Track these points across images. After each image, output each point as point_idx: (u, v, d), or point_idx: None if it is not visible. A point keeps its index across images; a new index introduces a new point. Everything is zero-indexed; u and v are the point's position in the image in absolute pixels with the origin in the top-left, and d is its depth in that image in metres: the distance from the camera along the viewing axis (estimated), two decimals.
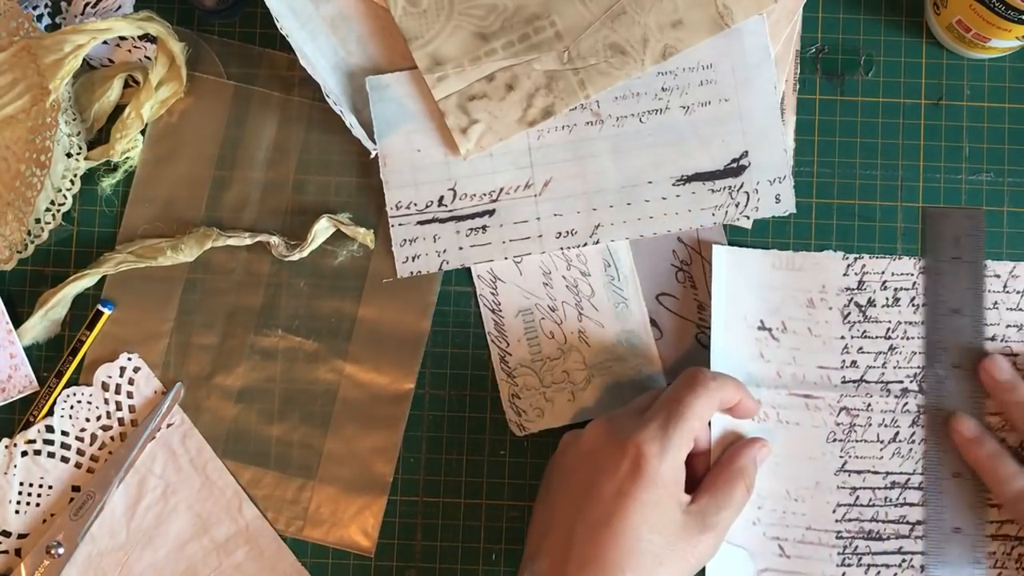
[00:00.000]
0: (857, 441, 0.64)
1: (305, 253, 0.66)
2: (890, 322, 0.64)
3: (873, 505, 0.64)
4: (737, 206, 0.65)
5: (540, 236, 0.66)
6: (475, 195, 0.66)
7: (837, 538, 0.63)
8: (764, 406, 0.64)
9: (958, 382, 0.64)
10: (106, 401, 0.66)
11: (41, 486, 0.65)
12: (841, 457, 0.64)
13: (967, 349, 0.64)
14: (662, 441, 0.57)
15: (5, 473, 0.65)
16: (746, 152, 0.65)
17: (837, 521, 0.64)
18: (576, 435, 0.61)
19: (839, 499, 0.64)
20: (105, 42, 0.66)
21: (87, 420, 0.65)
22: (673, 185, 0.65)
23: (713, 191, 0.65)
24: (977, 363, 0.63)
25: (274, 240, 0.65)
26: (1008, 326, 0.64)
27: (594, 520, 0.56)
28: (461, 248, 0.66)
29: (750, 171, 0.65)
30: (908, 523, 0.64)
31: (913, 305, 0.65)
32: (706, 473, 0.61)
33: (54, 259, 0.67)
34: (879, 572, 0.63)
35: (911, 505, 0.63)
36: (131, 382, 0.66)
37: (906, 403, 0.64)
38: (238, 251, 0.66)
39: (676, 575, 0.57)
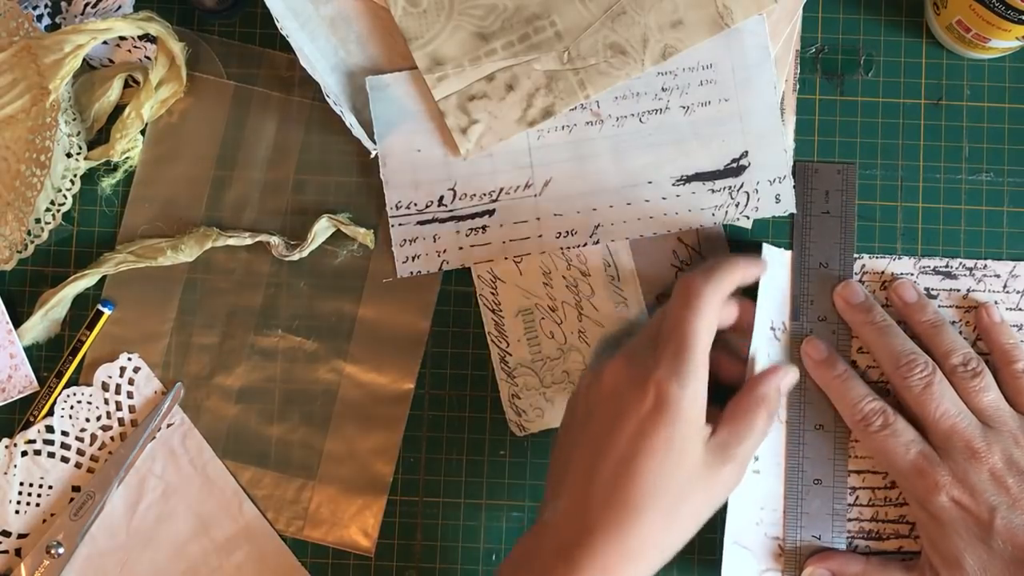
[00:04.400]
0: (856, 441, 0.64)
1: (305, 253, 0.66)
2: None
3: (873, 505, 0.64)
4: (737, 206, 0.65)
5: (540, 236, 0.66)
6: (475, 195, 0.66)
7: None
8: None
9: (823, 335, 0.64)
10: (106, 401, 0.66)
11: (41, 486, 0.65)
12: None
13: (832, 303, 0.64)
14: (679, 377, 0.56)
15: (5, 473, 0.65)
16: (746, 152, 0.65)
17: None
18: (596, 375, 0.59)
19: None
20: (105, 42, 0.66)
21: (87, 420, 0.65)
22: (673, 185, 0.65)
23: (713, 191, 0.65)
24: (831, 291, 0.64)
25: (274, 240, 0.65)
26: (1008, 326, 0.64)
27: (616, 460, 0.56)
28: (461, 248, 0.66)
29: (750, 171, 0.65)
30: (908, 523, 0.64)
31: None
32: (729, 399, 0.60)
33: (54, 259, 0.67)
34: None
35: (910, 506, 0.63)
36: (131, 382, 0.66)
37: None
38: (238, 251, 0.66)
39: (700, 509, 0.57)
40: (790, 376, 0.61)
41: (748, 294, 0.63)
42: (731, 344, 0.63)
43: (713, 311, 0.58)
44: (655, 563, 0.56)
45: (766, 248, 0.64)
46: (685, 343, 0.56)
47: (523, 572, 0.56)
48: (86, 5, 0.67)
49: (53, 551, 0.64)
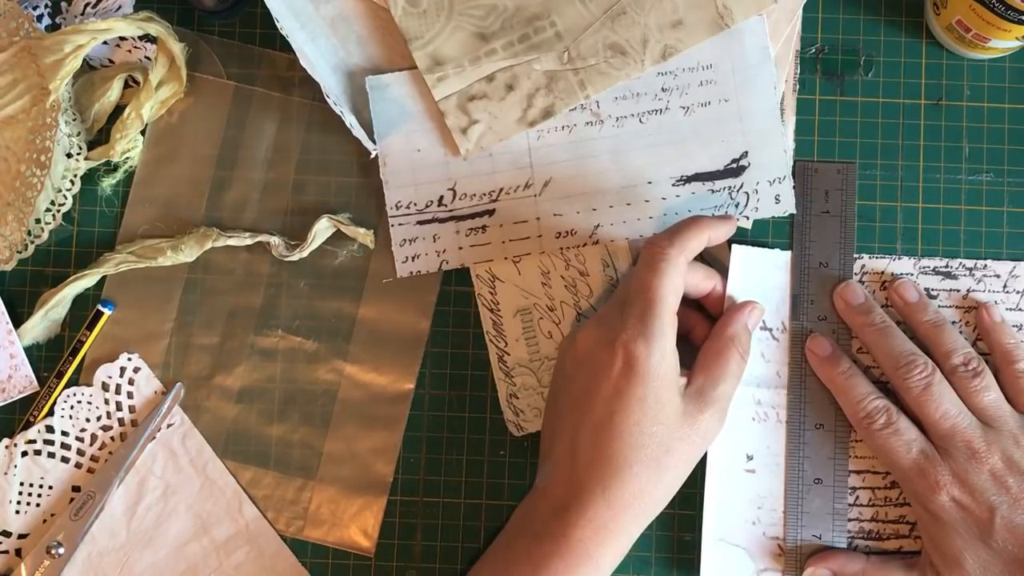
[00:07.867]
0: (857, 441, 0.64)
1: (305, 253, 0.66)
2: None
3: (873, 505, 0.64)
4: (737, 206, 0.65)
5: (540, 236, 0.66)
6: (475, 195, 0.66)
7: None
8: (764, 406, 0.64)
9: (822, 335, 0.64)
10: (106, 401, 0.66)
11: (41, 486, 0.65)
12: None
13: (832, 303, 0.64)
14: (645, 337, 0.57)
15: (5, 473, 0.65)
16: (746, 152, 0.65)
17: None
18: (572, 340, 0.61)
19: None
20: (105, 42, 0.66)
21: (87, 420, 0.65)
22: (673, 185, 0.65)
23: (713, 191, 0.65)
24: (831, 291, 0.64)
25: (274, 240, 0.65)
26: (1008, 325, 0.64)
27: (595, 422, 0.58)
28: (461, 248, 0.66)
29: (750, 171, 0.65)
30: (908, 523, 0.64)
31: None
32: (702, 344, 0.62)
33: (54, 259, 0.67)
34: None
35: (911, 505, 0.63)
36: (131, 382, 0.66)
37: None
38: (238, 251, 0.66)
39: (685, 458, 0.58)
40: (756, 313, 0.63)
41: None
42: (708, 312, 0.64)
43: (678, 273, 0.59)
44: (648, 512, 0.58)
45: (734, 248, 0.64)
46: (650, 305, 0.58)
47: (521, 534, 0.59)
48: (86, 5, 0.67)
49: (53, 551, 0.64)
